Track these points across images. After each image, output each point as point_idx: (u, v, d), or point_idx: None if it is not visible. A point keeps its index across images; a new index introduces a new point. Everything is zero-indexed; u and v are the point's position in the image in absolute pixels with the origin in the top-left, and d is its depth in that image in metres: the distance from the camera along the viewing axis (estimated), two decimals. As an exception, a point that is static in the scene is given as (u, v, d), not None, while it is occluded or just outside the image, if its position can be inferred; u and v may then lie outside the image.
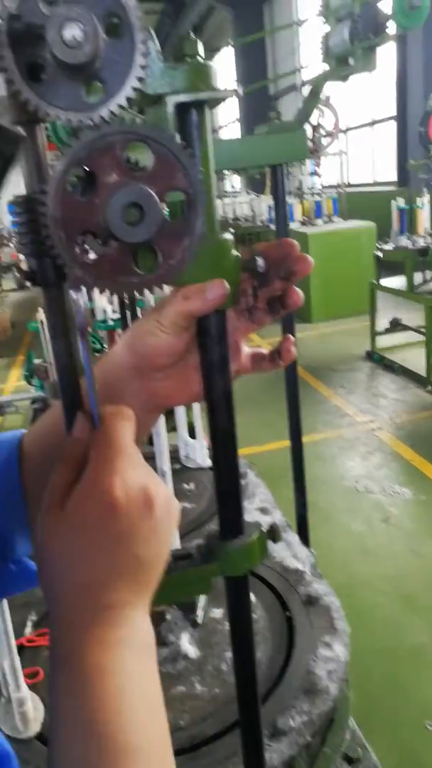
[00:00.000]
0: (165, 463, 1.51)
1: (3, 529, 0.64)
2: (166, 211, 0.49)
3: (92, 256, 0.50)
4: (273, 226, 9.23)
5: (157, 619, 0.66)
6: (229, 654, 1.27)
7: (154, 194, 0.47)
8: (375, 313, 5.94)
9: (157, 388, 0.61)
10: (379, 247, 5.84)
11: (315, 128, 7.55)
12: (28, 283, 0.59)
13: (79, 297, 0.49)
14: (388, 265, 5.72)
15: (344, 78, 1.49)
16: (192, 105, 0.50)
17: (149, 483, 0.48)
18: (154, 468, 1.53)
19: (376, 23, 1.40)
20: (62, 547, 0.47)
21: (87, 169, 0.48)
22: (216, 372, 0.60)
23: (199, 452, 2.16)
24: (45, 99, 0.45)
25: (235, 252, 0.57)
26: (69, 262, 0.49)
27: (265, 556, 0.71)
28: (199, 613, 1.38)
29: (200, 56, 0.50)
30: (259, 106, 13.32)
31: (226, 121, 17.78)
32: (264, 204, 10.14)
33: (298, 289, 0.60)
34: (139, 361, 0.60)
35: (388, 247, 5.60)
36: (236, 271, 0.57)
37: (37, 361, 3.58)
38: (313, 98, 1.47)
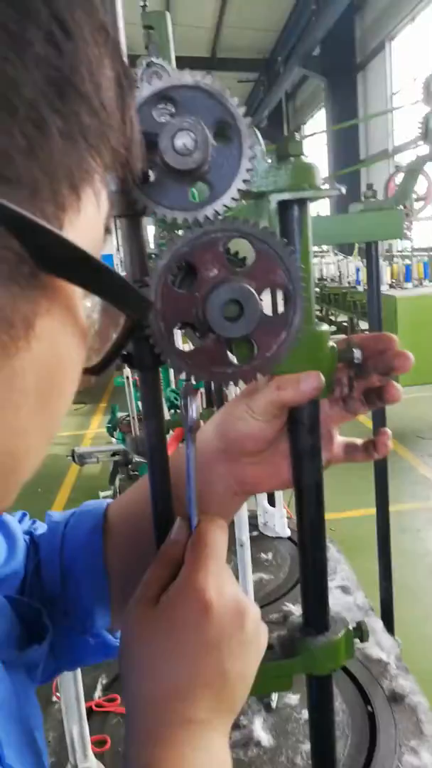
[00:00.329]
0: (244, 533, 1.47)
1: (84, 602, 0.64)
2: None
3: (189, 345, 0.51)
4: (360, 288, 9.20)
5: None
6: (304, 746, 1.20)
7: (254, 292, 0.47)
8: (467, 380, 5.73)
9: (246, 473, 0.61)
10: (472, 312, 5.68)
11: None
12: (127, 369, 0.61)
13: (191, 401, 0.50)
14: None
15: (447, 158, 1.50)
16: (294, 202, 0.51)
17: (242, 596, 0.48)
18: (232, 537, 1.51)
19: None
20: (149, 645, 0.46)
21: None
22: (306, 461, 0.59)
23: (279, 521, 2.11)
24: (152, 198, 0.46)
25: (331, 343, 0.56)
26: (167, 351, 0.50)
27: (350, 655, 0.67)
28: (274, 698, 1.31)
29: (303, 155, 0.51)
30: (348, 166, 13.52)
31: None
32: (351, 265, 10.16)
33: (397, 384, 0.58)
34: (228, 445, 0.59)
35: None
36: (332, 363, 0.56)
37: (120, 414, 3.66)
38: (412, 179, 1.47)
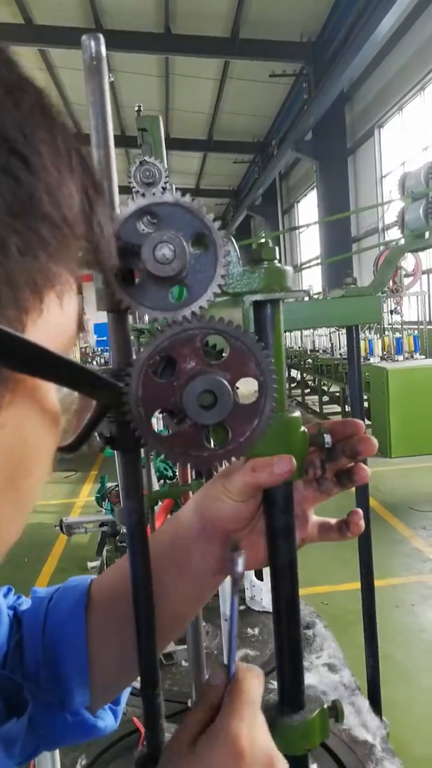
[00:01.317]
0: (228, 607, 1.46)
1: (64, 677, 0.65)
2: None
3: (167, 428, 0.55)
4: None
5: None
6: None
7: (226, 383, 0.51)
8: (458, 452, 5.77)
9: (225, 552, 0.63)
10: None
11: (396, 269, 7.82)
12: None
13: (238, 555, 0.53)
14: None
15: (420, 249, 1.58)
16: (267, 302, 0.56)
17: (274, 749, 0.50)
18: (216, 610, 1.50)
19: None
20: None
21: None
22: (281, 540, 0.62)
23: (266, 594, 2.08)
24: (135, 299, 0.51)
25: (303, 428, 0.60)
26: (146, 436, 0.54)
27: (326, 735, 0.68)
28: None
29: (276, 260, 0.56)
30: (339, 245, 13.99)
31: (307, 256, 18.71)
32: (343, 337, 10.36)
33: (365, 466, 0.61)
34: (206, 524, 0.62)
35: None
36: (303, 447, 0.60)
37: (110, 484, 3.66)
38: (389, 268, 1.55)
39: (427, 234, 1.48)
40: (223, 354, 0.55)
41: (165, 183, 1.10)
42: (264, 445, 0.57)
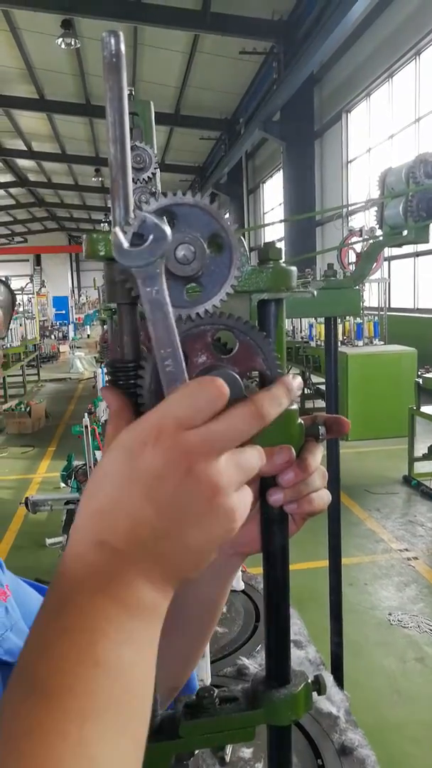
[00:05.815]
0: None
1: None
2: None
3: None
4: (313, 343, 9.45)
5: (185, 753, 0.67)
6: (255, 802, 1.21)
7: (237, 377, 0.54)
8: (414, 438, 5.93)
9: (239, 535, 0.66)
10: (420, 374, 5.93)
11: (358, 255, 7.93)
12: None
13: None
14: (429, 392, 5.78)
15: (398, 245, 1.63)
16: (272, 300, 0.59)
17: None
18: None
19: (429, 206, 1.53)
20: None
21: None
22: (275, 526, 0.65)
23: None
24: (152, 295, 0.53)
25: (299, 420, 0.63)
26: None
27: (309, 707, 0.72)
28: (228, 751, 1.33)
29: (282, 261, 0.59)
30: (303, 228, 14.07)
31: (271, 238, 18.74)
32: (305, 321, 10.45)
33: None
34: None
35: (430, 375, 5.68)
36: (300, 437, 0.63)
37: (77, 463, 3.65)
38: (369, 261, 1.59)
39: (405, 231, 1.52)
40: (228, 347, 0.58)
41: (155, 169, 1.10)
42: (264, 436, 0.59)
